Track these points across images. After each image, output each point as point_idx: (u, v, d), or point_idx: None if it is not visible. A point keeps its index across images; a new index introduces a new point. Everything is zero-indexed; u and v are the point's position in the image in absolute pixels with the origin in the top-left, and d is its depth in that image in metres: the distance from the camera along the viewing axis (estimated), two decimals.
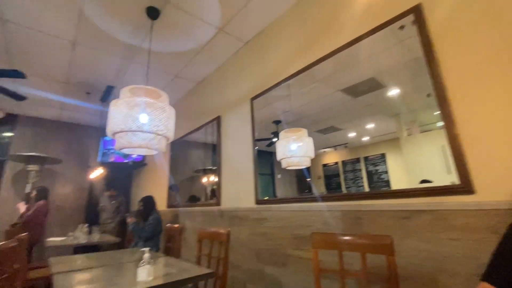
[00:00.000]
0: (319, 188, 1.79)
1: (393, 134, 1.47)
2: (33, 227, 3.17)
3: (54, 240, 3.21)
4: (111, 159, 4.52)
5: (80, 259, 1.93)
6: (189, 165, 3.44)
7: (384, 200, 1.37)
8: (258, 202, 2.18)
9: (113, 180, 4.64)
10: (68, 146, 4.89)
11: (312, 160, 1.80)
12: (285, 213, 1.90)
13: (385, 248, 1.08)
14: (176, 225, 2.62)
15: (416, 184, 1.29)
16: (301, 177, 1.95)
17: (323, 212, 1.64)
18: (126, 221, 3.08)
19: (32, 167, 4.07)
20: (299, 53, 2.06)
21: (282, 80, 2.14)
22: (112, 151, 4.54)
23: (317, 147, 1.79)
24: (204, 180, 3.10)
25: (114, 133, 1.68)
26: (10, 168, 4.32)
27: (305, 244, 1.71)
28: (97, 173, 4.41)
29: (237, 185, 2.47)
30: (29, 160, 4.04)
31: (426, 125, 1.36)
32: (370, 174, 1.52)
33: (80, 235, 3.32)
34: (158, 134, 1.80)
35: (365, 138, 1.61)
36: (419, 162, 1.36)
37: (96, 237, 3.31)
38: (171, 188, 3.52)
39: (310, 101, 1.96)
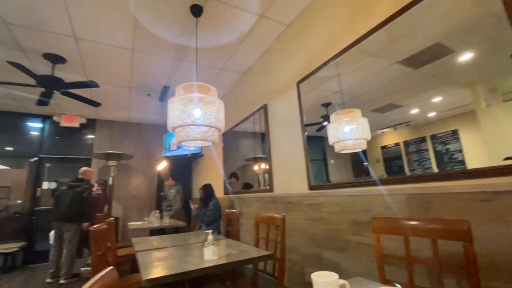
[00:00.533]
0: (377, 172, 1.67)
1: (467, 106, 1.26)
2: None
3: (133, 224, 3.75)
4: (173, 152, 4.98)
5: (155, 240, 2.22)
6: (241, 154, 3.57)
7: (459, 181, 1.21)
8: (311, 187, 2.15)
9: (175, 171, 5.13)
10: (137, 143, 5.56)
11: (369, 143, 1.68)
12: (341, 198, 1.85)
13: (462, 233, 0.97)
14: (234, 210, 2.78)
15: (499, 162, 1.10)
16: (356, 161, 1.84)
17: (384, 196, 1.54)
18: (190, 207, 3.38)
19: (111, 163, 4.76)
20: (346, 27, 1.91)
21: (329, 59, 2.02)
22: (173, 145, 4.99)
23: (373, 128, 1.66)
24: (256, 168, 3.19)
25: (173, 128, 1.84)
26: (95, 164, 5.13)
27: (365, 229, 1.64)
28: (162, 165, 4.92)
29: (288, 172, 2.48)
30: (108, 157, 4.73)
31: (510, 93, 1.14)
32: (439, 154, 1.35)
33: (153, 220, 3.80)
34: (211, 126, 1.90)
35: (431, 114, 1.42)
36: (502, 137, 1.15)
37: (166, 221, 3.74)
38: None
39: (363, 78, 1.81)
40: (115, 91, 3.99)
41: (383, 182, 1.56)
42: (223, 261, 1.35)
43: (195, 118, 1.81)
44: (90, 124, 5.24)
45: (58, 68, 3.09)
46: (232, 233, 2.55)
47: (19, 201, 4.84)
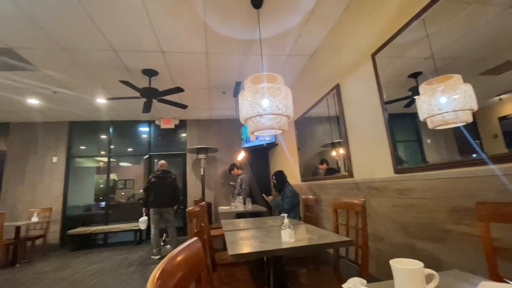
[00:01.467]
0: (495, 150, 1.31)
1: None
2: None
3: (222, 208, 4.21)
4: (250, 143, 5.29)
5: (241, 222, 2.44)
6: (316, 140, 3.45)
7: None
8: (398, 171, 1.90)
9: (253, 160, 5.43)
10: (219, 137, 6.16)
11: (479, 114, 1.34)
12: (436, 182, 1.57)
13: None
14: (311, 197, 2.75)
15: None
16: (460, 138, 1.49)
17: (499, 178, 1.22)
18: (265, 199, 3.47)
19: (201, 156, 5.43)
20: None
21: (411, 18, 1.70)
22: (251, 136, 5.29)
23: (485, 95, 1.31)
24: (333, 153, 3.03)
25: (245, 120, 1.94)
26: (189, 158, 5.98)
27: (470, 217, 1.35)
28: (241, 156, 5.30)
29: (369, 155, 2.26)
30: (198, 151, 5.43)
31: None
32: None
33: (239, 205, 4.16)
34: (279, 114, 1.92)
35: None
36: None
37: (249, 207, 4.04)
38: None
39: (463, 35, 1.44)
40: (196, 93, 4.50)
41: (501, 159, 1.23)
42: (300, 243, 1.37)
43: (263, 108, 1.86)
44: (182, 124, 6.11)
45: (153, 80, 3.71)
46: (311, 219, 2.54)
47: (141, 190, 6.14)
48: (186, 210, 1.71)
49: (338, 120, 2.74)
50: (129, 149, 6.29)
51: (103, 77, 3.68)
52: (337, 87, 2.73)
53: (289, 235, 1.40)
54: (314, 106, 3.31)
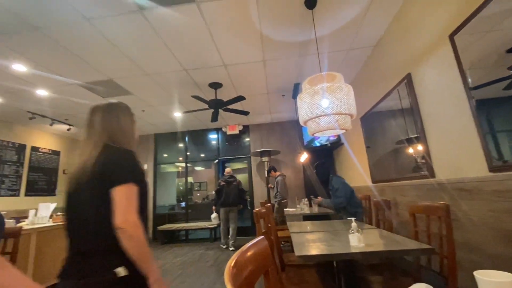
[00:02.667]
0: None
1: None
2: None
3: (288, 210, 4.24)
4: (313, 144, 5.18)
5: (308, 225, 2.43)
6: (388, 137, 3.12)
7: None
8: (494, 169, 1.59)
9: (317, 161, 5.30)
10: (281, 139, 6.24)
11: None
12: None
13: None
14: (384, 199, 2.53)
15: None
16: None
17: None
18: (313, 204, 3.31)
19: (264, 159, 5.61)
20: None
21: None
22: (310, 137, 5.19)
23: None
24: (410, 150, 2.71)
25: (305, 122, 1.94)
26: (253, 161, 6.24)
27: None
28: (304, 157, 5.24)
29: (454, 151, 1.95)
30: (261, 154, 5.62)
31: None
32: None
33: (304, 207, 4.13)
34: (341, 114, 1.85)
35: None
36: None
37: (315, 209, 3.96)
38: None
39: None
40: (257, 99, 4.69)
41: None
42: (370, 249, 1.29)
43: (323, 108, 1.83)
44: (246, 130, 6.44)
45: (218, 91, 4.05)
46: (384, 224, 2.33)
47: (213, 192, 6.73)
48: (254, 211, 1.81)
49: (413, 113, 2.44)
50: (202, 155, 6.99)
51: (178, 94, 4.22)
52: (408, 77, 2.45)
53: (358, 239, 1.33)
54: (382, 100, 3.03)
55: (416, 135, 2.44)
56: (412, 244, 1.33)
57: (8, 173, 4.96)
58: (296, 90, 4.20)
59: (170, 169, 8.26)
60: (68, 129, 5.54)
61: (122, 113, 1.07)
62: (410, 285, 0.71)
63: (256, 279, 0.59)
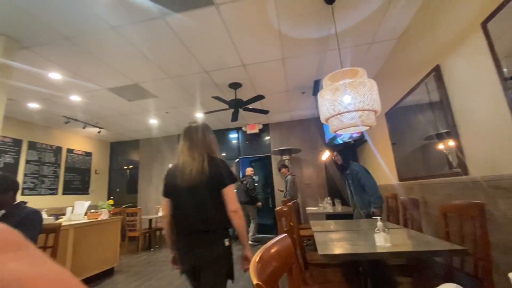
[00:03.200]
0: None
1: None
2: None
3: (310, 209, 4.20)
4: (335, 141, 5.08)
5: (331, 224, 2.40)
6: (416, 133, 2.97)
7: None
8: None
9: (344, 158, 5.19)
10: (301, 137, 6.17)
11: None
12: None
13: None
14: (412, 198, 2.43)
15: None
16: None
17: None
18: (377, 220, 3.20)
19: (285, 157, 5.59)
20: None
21: None
22: (332, 134, 5.08)
23: None
24: (440, 146, 2.57)
25: (326, 119, 1.92)
26: (274, 160, 6.24)
27: None
28: (326, 155, 5.15)
29: (489, 146, 1.82)
30: (282, 152, 5.60)
31: None
32: None
33: (327, 206, 4.06)
34: (365, 110, 1.80)
35: None
36: None
37: (338, 208, 3.88)
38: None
39: None
40: (276, 98, 4.68)
41: None
42: (400, 248, 1.25)
43: (345, 105, 1.79)
44: (266, 128, 6.45)
45: (238, 91, 4.10)
46: (412, 224, 2.24)
47: (235, 190, 6.84)
48: (275, 209, 1.82)
49: (443, 107, 2.31)
50: (223, 154, 7.10)
51: (199, 95, 4.33)
52: (436, 69, 2.32)
53: (384, 239, 1.29)
54: (409, 94, 2.90)
55: (446, 130, 2.31)
56: (443, 245, 1.27)
57: (47, 174, 5.40)
58: (316, 87, 4.14)
59: None
60: (99, 132, 5.90)
61: (210, 131, 1.53)
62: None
63: (280, 275, 0.60)
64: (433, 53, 2.38)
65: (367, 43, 3.07)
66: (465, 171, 2.09)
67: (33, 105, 4.32)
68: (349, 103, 1.77)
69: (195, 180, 1.32)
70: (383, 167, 3.77)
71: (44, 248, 1.91)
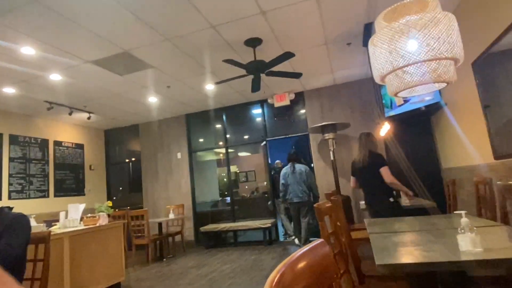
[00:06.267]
0: None
1: None
2: None
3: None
4: (398, 110, 4.81)
5: (393, 222, 2.35)
6: None
7: None
8: None
9: (403, 134, 4.95)
10: (350, 107, 5.97)
11: None
12: None
13: None
14: None
15: None
16: None
17: None
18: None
19: (328, 136, 5.46)
20: None
21: None
22: (397, 99, 4.81)
23: None
24: None
25: (382, 78, 1.79)
26: (313, 140, 6.15)
27: None
28: (385, 130, 4.92)
29: None
30: (323, 129, 5.48)
31: None
32: None
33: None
34: (440, 59, 1.66)
35: None
36: None
37: (406, 201, 3.73)
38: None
39: None
40: (312, 54, 4.52)
41: None
42: (493, 256, 1.18)
43: (410, 54, 1.66)
44: (299, 98, 6.33)
45: (257, 51, 4.01)
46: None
47: (265, 183, 6.92)
48: (314, 205, 1.78)
49: None
50: (245, 137, 7.17)
51: (207, 60, 4.33)
52: None
53: (472, 242, 1.20)
54: (507, 32, 2.60)
55: None
56: None
57: (35, 173, 5.90)
58: (367, 33, 3.91)
59: (209, 156, 8.73)
60: (89, 118, 6.24)
61: (373, 136, 3.59)
62: None
63: None
64: None
65: None
66: None
67: (8, 90, 4.65)
68: (416, 51, 1.63)
69: (364, 164, 3.40)
70: (466, 142, 3.53)
71: (34, 261, 2.09)
